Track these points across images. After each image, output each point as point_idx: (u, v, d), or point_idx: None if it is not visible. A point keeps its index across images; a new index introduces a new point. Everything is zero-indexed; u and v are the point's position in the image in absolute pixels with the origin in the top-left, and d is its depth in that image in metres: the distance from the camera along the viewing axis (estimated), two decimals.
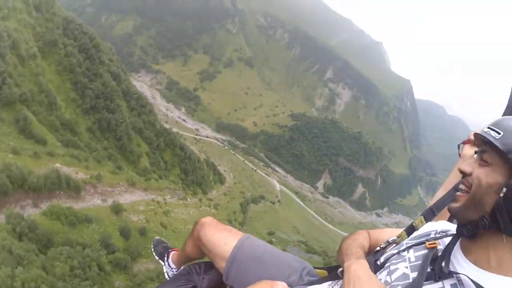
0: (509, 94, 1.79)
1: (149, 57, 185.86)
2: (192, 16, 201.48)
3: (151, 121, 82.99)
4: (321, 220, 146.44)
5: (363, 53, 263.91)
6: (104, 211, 45.34)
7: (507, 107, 1.77)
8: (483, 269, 1.08)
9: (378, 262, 1.41)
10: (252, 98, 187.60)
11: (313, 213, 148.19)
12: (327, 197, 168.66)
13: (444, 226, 1.42)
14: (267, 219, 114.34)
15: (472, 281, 1.03)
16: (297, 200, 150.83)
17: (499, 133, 1.02)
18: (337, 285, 1.50)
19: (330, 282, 1.57)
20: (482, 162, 1.08)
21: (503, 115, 1.70)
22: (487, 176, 1.04)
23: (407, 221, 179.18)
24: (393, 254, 1.39)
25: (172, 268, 2.41)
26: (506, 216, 0.99)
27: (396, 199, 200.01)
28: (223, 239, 1.82)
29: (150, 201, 65.94)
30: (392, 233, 1.60)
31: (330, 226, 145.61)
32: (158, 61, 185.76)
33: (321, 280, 1.65)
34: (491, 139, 1.03)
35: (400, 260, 1.32)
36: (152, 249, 2.61)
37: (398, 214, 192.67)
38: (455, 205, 1.13)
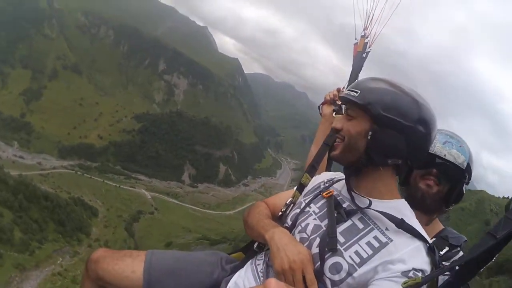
0: (352, 59, 2.26)
1: None
2: (2, 24, 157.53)
3: (2, 179, 65.81)
4: (201, 209, 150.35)
5: (190, 39, 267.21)
6: None
7: (352, 71, 2.25)
8: (378, 198, 1.36)
9: (287, 225, 1.53)
10: (89, 109, 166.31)
11: (192, 206, 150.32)
12: (196, 187, 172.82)
13: (328, 176, 1.68)
14: (156, 232, 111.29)
15: (374, 210, 1.31)
16: (172, 200, 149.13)
17: (356, 92, 1.33)
18: (259, 259, 1.58)
19: (251, 260, 1.62)
20: (349, 117, 1.37)
21: (350, 77, 2.24)
22: (354, 126, 1.34)
23: (270, 181, 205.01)
24: (297, 213, 1.52)
25: None
26: (377, 152, 1.31)
27: (254, 166, 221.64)
28: (128, 268, 1.58)
29: (51, 276, 58.32)
30: (285, 196, 1.71)
31: (211, 212, 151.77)
32: None
33: (242, 263, 1.67)
34: (352, 98, 1.33)
35: (306, 215, 1.48)
36: None
37: (261, 177, 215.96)
38: (334, 152, 1.42)
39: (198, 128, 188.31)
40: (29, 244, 60.34)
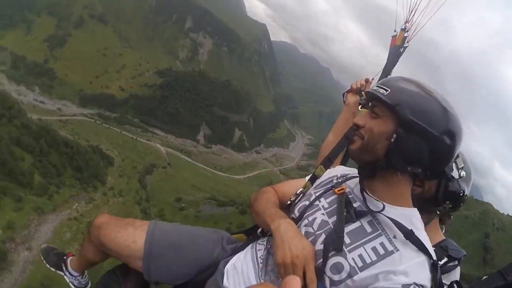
0: (387, 55, 2.17)
1: None
2: None
3: (25, 124, 68.10)
4: (212, 170, 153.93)
5: (219, 0, 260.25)
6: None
7: (386, 64, 2.15)
8: (389, 204, 1.30)
9: (294, 216, 1.50)
10: (112, 59, 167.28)
11: (203, 166, 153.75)
12: (210, 147, 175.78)
13: (342, 170, 1.62)
14: (167, 187, 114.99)
15: (385, 215, 1.26)
16: (185, 157, 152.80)
17: (386, 90, 1.25)
18: (260, 243, 1.57)
19: (252, 244, 1.61)
20: (374, 114, 1.30)
21: (382, 71, 2.13)
22: (379, 126, 1.27)
23: (282, 152, 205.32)
24: (306, 206, 1.48)
25: (75, 276, 2.09)
26: (398, 157, 1.23)
27: (268, 134, 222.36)
28: (130, 237, 1.60)
29: (67, 221, 60.87)
30: (296, 184, 1.69)
31: (221, 174, 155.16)
32: None
33: (243, 246, 1.66)
34: (381, 96, 1.26)
35: (315, 209, 1.44)
36: (44, 261, 2.18)
37: (273, 147, 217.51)
38: (352, 146, 1.35)
39: (219, 90, 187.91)
40: (48, 188, 62.64)
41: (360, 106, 2.07)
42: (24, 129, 67.26)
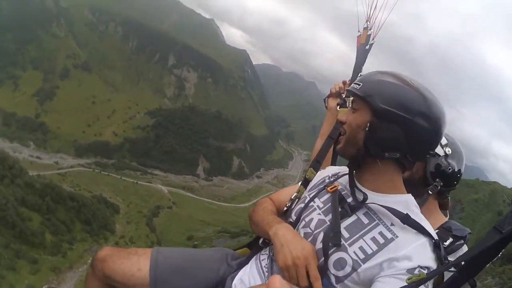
0: (355, 53, 2.18)
1: None
2: (11, 27, 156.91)
3: (28, 182, 65.75)
4: (217, 202, 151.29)
5: (197, 32, 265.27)
6: None
7: (355, 64, 2.16)
8: (382, 193, 1.34)
9: (291, 220, 1.52)
10: (102, 106, 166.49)
11: (207, 200, 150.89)
12: (211, 180, 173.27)
13: (332, 170, 1.65)
14: (175, 226, 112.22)
15: (379, 205, 1.28)
16: (188, 194, 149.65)
17: (359, 85, 1.33)
18: (263, 254, 1.58)
19: (256, 256, 1.62)
20: (353, 109, 1.37)
21: (353, 71, 2.15)
22: (356, 119, 1.33)
23: (283, 172, 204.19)
24: (302, 208, 1.50)
25: None
26: (374, 145, 1.29)
27: (266, 157, 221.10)
28: (134, 266, 1.62)
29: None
30: (290, 191, 1.70)
31: (226, 204, 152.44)
32: None
33: (248, 259, 1.67)
34: (354, 90, 1.34)
35: (310, 210, 1.47)
36: None
37: (273, 169, 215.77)
38: (339, 146, 1.41)
39: (211, 121, 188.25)
40: (61, 246, 60.66)
41: (338, 107, 2.14)
42: (28, 188, 64.97)
